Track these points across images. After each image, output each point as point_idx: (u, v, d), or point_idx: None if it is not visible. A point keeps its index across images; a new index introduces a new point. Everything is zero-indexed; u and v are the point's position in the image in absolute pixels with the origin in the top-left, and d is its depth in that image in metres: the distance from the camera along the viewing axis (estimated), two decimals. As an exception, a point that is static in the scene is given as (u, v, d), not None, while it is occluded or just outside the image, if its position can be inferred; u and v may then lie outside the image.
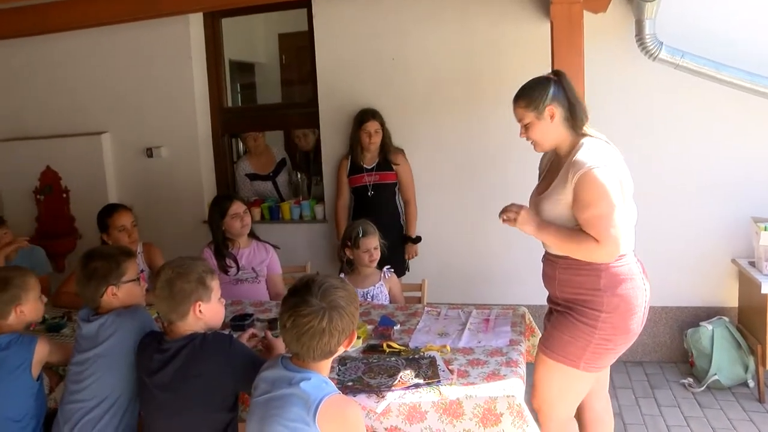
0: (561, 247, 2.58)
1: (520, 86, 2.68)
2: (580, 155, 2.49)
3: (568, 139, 2.61)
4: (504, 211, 2.64)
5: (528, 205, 2.74)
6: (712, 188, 4.39)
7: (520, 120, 2.65)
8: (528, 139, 2.68)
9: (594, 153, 2.49)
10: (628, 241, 2.57)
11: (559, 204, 2.55)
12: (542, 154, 2.88)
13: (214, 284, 2.44)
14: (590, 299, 2.54)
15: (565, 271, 2.61)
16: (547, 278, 2.74)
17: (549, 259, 2.72)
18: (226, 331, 2.90)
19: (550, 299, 2.79)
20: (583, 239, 2.48)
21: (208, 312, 2.40)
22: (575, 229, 2.52)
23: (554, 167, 2.69)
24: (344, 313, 2.05)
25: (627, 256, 2.56)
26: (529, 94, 2.60)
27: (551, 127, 2.59)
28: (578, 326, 2.55)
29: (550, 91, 2.57)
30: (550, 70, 3.53)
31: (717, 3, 4.22)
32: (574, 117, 2.59)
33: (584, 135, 2.59)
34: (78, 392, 2.53)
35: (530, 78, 4.34)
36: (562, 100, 2.58)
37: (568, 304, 2.61)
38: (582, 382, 2.66)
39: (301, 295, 2.04)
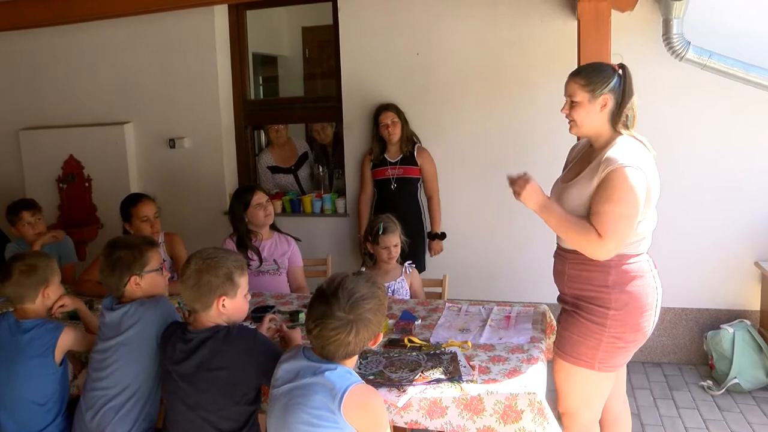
0: (561, 231, 2.53)
1: (584, 64, 2.65)
2: (615, 152, 2.44)
3: (607, 133, 2.57)
4: (515, 180, 2.58)
5: (551, 191, 2.71)
6: (736, 190, 4.35)
7: (570, 95, 2.58)
8: (568, 117, 2.61)
9: (629, 153, 2.44)
10: (645, 244, 2.55)
11: (582, 195, 2.51)
12: (573, 144, 2.83)
13: (242, 280, 2.43)
14: (598, 296, 2.52)
15: (574, 266, 2.59)
16: (557, 273, 2.73)
17: (560, 254, 2.70)
18: (247, 323, 2.91)
19: (559, 297, 2.77)
20: (586, 229, 2.42)
21: (231, 307, 2.40)
22: (580, 218, 2.48)
23: (585, 158, 2.65)
24: (370, 324, 2.08)
25: (641, 255, 2.54)
26: (592, 76, 2.54)
27: (597, 115, 2.54)
28: (587, 325, 2.54)
29: (613, 80, 2.51)
30: (576, 68, 3.54)
31: (746, 3, 4.18)
32: (620, 114, 2.53)
33: (622, 134, 2.55)
34: (100, 380, 2.55)
35: (556, 74, 4.34)
36: (618, 94, 2.53)
37: (576, 302, 2.60)
38: (602, 383, 2.63)
39: (329, 304, 2.04)
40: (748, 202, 4.35)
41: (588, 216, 2.47)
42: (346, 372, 2.07)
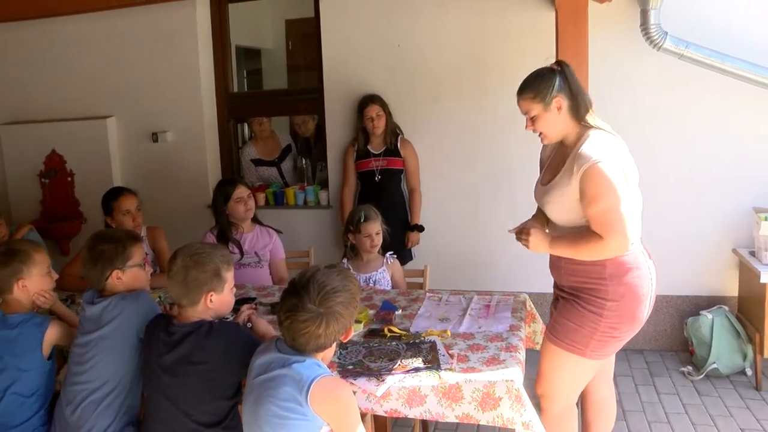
0: (574, 256, 2.58)
1: (523, 79, 2.64)
2: (585, 148, 2.47)
3: (575, 130, 2.60)
4: (517, 237, 2.68)
5: (534, 195, 2.78)
6: (714, 179, 4.39)
7: (526, 112, 2.63)
8: (535, 131, 2.65)
9: (598, 146, 2.47)
10: (635, 231, 2.57)
11: (564, 195, 2.54)
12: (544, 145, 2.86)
13: (229, 275, 2.44)
14: (596, 288, 2.55)
15: (570, 260, 2.61)
16: (554, 267, 2.76)
17: None
18: (229, 315, 2.92)
19: (556, 285, 2.82)
20: (587, 241, 2.48)
21: (218, 302, 2.40)
22: (578, 235, 2.54)
23: (559, 157, 2.68)
24: (341, 318, 2.09)
25: (633, 245, 2.55)
26: (536, 86, 2.57)
27: (558, 118, 2.57)
28: (584, 314, 2.57)
29: (556, 82, 2.54)
30: (555, 59, 3.57)
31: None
32: (579, 107, 2.57)
33: (589, 126, 2.58)
34: (81, 374, 2.55)
35: (535, 66, 4.37)
36: (566, 90, 2.55)
37: (574, 292, 2.63)
38: (587, 370, 2.69)
39: (299, 297, 2.06)
40: (725, 190, 4.39)
41: (579, 216, 2.55)
42: (314, 364, 2.08)
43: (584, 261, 2.56)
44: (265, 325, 2.68)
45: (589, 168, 2.43)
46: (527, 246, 2.63)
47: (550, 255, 2.77)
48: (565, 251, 2.60)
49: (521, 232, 2.66)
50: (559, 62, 2.63)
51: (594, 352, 2.59)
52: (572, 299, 2.64)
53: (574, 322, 2.60)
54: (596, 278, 2.55)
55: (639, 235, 2.60)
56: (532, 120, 2.62)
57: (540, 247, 2.61)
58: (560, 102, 2.55)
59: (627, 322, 2.56)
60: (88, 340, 2.56)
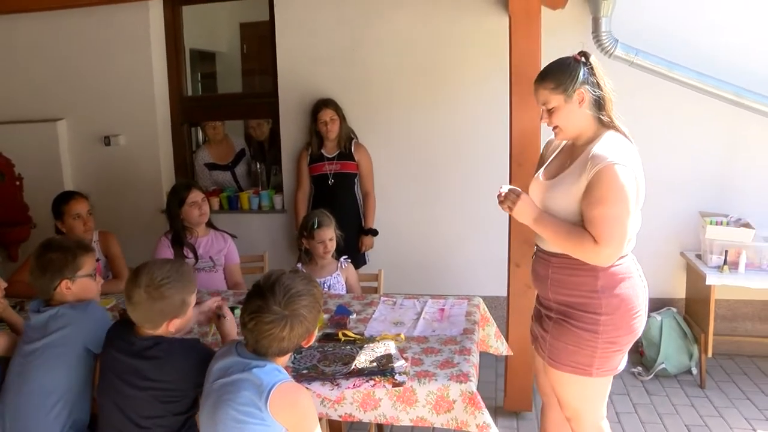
0: (556, 243, 2.41)
1: (544, 67, 2.48)
2: (602, 148, 2.31)
3: (592, 128, 2.42)
4: (505, 197, 2.46)
5: (530, 191, 2.58)
6: (662, 184, 4.45)
7: (544, 103, 2.43)
8: (550, 125, 2.47)
9: (616, 148, 2.32)
10: (631, 245, 2.44)
11: (569, 194, 2.37)
12: (549, 139, 2.71)
13: (193, 298, 2.38)
14: (587, 302, 2.39)
15: (559, 270, 2.46)
16: (539, 278, 2.57)
17: (541, 257, 2.56)
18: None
19: (539, 301, 2.64)
20: (581, 238, 2.30)
21: (180, 324, 2.35)
22: (575, 226, 2.36)
23: (566, 153, 2.54)
24: (305, 321, 2.09)
25: (627, 256, 2.43)
26: (558, 76, 2.38)
27: (579, 112, 2.39)
28: (580, 333, 2.41)
29: (580, 73, 2.36)
30: (508, 64, 3.61)
31: (671, 3, 4.33)
32: (603, 101, 2.40)
33: (607, 126, 2.42)
34: (23, 384, 2.47)
35: (487, 71, 4.43)
36: (591, 83, 2.38)
37: (563, 309, 2.47)
38: (603, 386, 2.54)
39: (265, 300, 2.05)
40: (673, 195, 4.50)
41: (579, 217, 2.37)
42: (274, 369, 2.08)
43: (575, 272, 2.41)
44: (232, 324, 2.64)
45: (604, 168, 2.26)
46: (511, 209, 2.44)
47: (534, 265, 2.63)
48: (550, 233, 2.40)
49: (510, 192, 2.45)
50: (583, 53, 2.43)
51: (600, 369, 2.44)
52: (562, 320, 2.47)
53: (572, 345, 2.44)
54: (587, 291, 2.39)
55: (633, 247, 2.46)
56: (549, 112, 2.43)
57: (524, 216, 2.43)
58: (583, 95, 2.37)
59: (625, 334, 2.42)
60: (32, 348, 2.48)
